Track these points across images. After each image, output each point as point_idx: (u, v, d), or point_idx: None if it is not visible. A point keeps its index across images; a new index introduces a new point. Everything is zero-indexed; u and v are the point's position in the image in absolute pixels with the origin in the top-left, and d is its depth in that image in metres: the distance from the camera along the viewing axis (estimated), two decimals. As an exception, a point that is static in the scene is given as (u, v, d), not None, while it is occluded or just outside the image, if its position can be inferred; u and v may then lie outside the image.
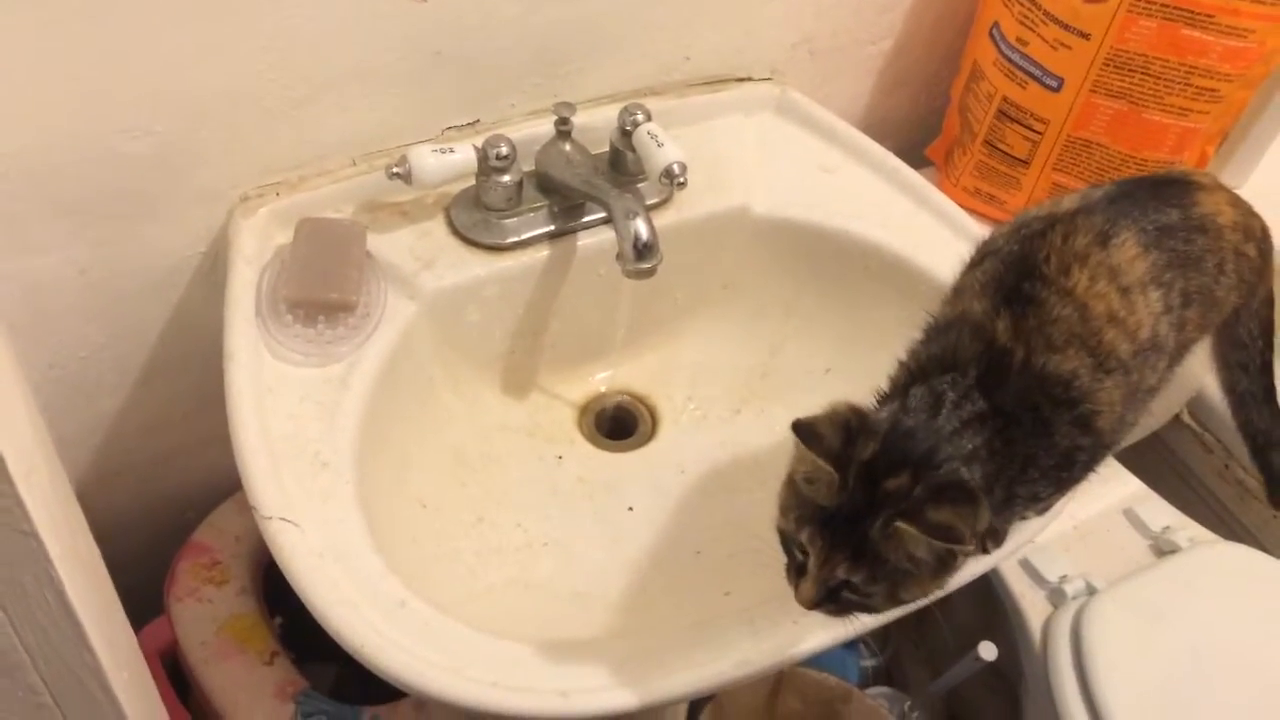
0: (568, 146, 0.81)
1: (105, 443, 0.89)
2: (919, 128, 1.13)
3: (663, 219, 0.85)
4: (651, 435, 0.89)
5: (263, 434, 0.66)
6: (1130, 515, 1.21)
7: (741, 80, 0.95)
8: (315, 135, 0.78)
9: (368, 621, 0.58)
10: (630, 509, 0.82)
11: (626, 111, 0.81)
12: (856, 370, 0.87)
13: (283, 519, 0.61)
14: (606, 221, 0.82)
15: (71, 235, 0.73)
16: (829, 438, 0.55)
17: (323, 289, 0.71)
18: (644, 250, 0.72)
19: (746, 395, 0.90)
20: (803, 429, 0.55)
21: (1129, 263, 0.60)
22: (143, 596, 0.90)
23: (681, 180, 0.77)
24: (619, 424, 0.89)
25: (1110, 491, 1.37)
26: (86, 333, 0.80)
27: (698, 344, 0.92)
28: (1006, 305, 0.59)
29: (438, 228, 0.81)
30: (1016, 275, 0.61)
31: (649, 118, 0.81)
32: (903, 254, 0.85)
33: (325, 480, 0.65)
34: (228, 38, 0.69)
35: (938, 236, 0.86)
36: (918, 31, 1.03)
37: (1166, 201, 0.64)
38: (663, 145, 0.77)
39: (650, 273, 0.73)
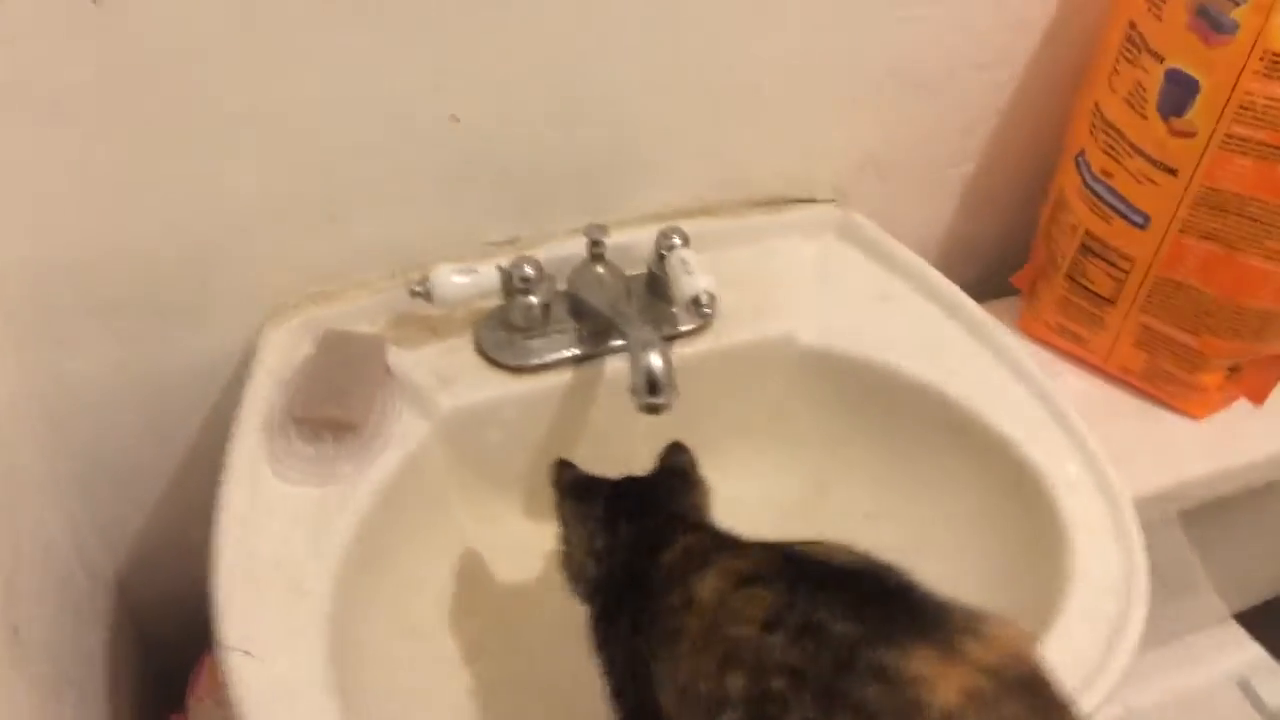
0: (600, 269, 0.78)
1: (143, 529, 0.90)
2: (1009, 252, 1.06)
3: (698, 345, 0.81)
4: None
5: (246, 556, 0.65)
6: (1245, 688, 1.08)
7: (804, 201, 0.91)
8: (353, 248, 0.78)
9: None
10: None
11: (663, 235, 0.78)
12: (900, 517, 0.81)
13: (243, 651, 0.60)
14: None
15: (107, 334, 0.75)
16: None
17: (327, 406, 0.70)
18: (655, 386, 0.68)
19: (781, 535, 0.84)
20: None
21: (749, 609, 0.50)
22: (175, 683, 0.91)
23: (708, 310, 0.73)
24: (646, 555, 0.85)
25: (1224, 656, 1.23)
26: (124, 423, 0.81)
27: (736, 476, 0.86)
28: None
29: (464, 345, 0.79)
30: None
31: (686, 242, 0.78)
32: (955, 398, 0.78)
33: (301, 610, 0.63)
34: (265, 155, 0.70)
35: (997, 381, 0.79)
36: (1004, 155, 0.97)
37: (880, 622, 0.47)
38: (692, 273, 0.74)
39: (662, 409, 0.69)
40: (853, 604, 0.48)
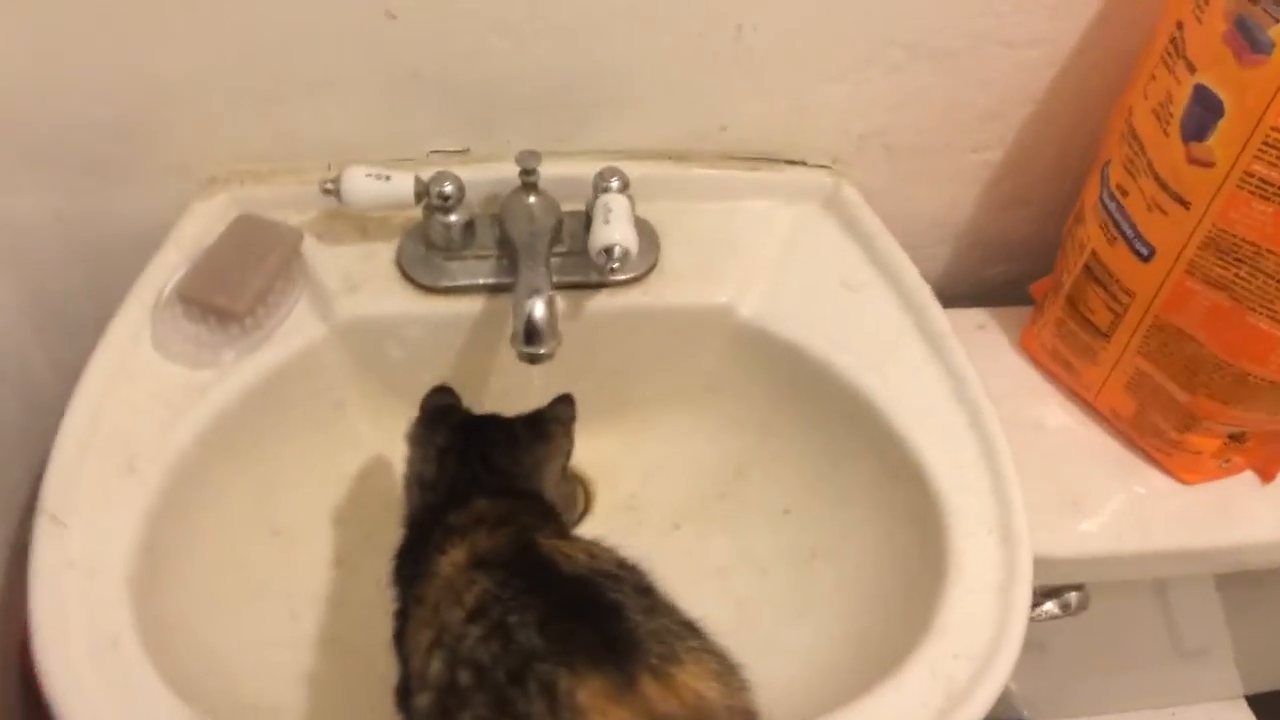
0: (531, 199, 0.74)
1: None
2: (1044, 256, 0.96)
3: (628, 299, 0.77)
4: (577, 521, 0.81)
5: (90, 422, 0.65)
6: (1236, 775, 0.99)
7: (793, 163, 0.83)
8: (289, 133, 0.76)
9: (67, 655, 0.55)
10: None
11: (600, 176, 0.73)
12: (809, 517, 0.76)
13: (53, 517, 0.60)
14: (558, 286, 0.74)
15: (43, 182, 0.76)
16: None
17: (211, 291, 0.69)
18: (533, 334, 0.64)
19: (694, 512, 0.80)
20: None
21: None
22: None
23: (615, 265, 0.68)
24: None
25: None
26: (67, 275, 0.83)
27: (663, 440, 0.83)
28: None
29: (385, 252, 0.77)
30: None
31: (625, 186, 0.73)
32: (883, 410, 0.71)
33: (126, 487, 0.63)
34: (189, 26, 0.69)
35: (935, 400, 0.71)
36: (1038, 148, 0.86)
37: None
38: (610, 223, 0.69)
39: (540, 358, 0.65)
40: (548, 615, 0.44)
